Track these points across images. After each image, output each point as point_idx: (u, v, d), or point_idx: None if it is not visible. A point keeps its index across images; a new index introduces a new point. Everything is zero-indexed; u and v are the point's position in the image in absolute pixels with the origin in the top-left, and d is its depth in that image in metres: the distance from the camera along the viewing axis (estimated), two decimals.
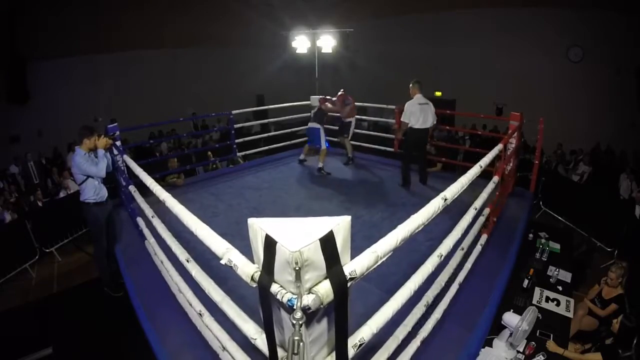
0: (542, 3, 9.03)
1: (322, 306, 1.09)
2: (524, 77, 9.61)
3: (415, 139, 4.72)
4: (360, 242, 1.33)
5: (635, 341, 3.29)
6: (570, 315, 2.90)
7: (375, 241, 1.33)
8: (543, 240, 3.76)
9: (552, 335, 2.64)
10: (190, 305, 2.18)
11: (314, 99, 6.34)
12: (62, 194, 6.40)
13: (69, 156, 8.30)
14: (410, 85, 4.74)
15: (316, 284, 1.10)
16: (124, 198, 4.05)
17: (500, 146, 2.99)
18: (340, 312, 1.16)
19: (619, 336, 2.98)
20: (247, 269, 1.22)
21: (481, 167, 2.34)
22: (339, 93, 5.71)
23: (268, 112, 8.13)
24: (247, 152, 6.08)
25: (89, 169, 3.35)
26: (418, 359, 1.99)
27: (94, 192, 3.43)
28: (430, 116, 4.66)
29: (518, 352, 2.47)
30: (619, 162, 7.97)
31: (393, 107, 5.58)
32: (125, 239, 3.68)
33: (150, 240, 2.97)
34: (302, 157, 5.89)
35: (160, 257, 2.70)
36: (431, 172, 5.35)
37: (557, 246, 3.75)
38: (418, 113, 4.60)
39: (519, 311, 2.62)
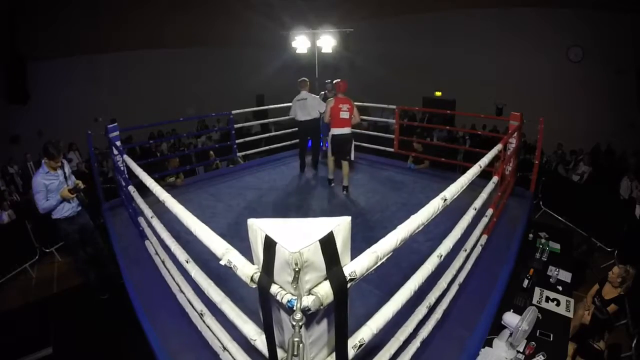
0: (542, 3, 9.01)
1: (321, 307, 1.08)
2: (524, 77, 9.59)
3: (302, 129, 5.34)
4: (360, 242, 1.33)
5: (635, 342, 3.30)
6: (570, 315, 2.90)
7: (376, 241, 1.33)
8: (543, 240, 3.76)
9: (551, 335, 2.64)
10: (191, 305, 2.18)
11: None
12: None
13: (69, 156, 8.31)
14: None
15: (316, 285, 1.10)
16: (124, 198, 4.04)
17: (499, 146, 2.99)
18: (340, 313, 1.15)
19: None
20: (247, 270, 1.21)
21: (480, 167, 2.34)
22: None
23: (268, 112, 8.12)
24: (248, 152, 6.08)
25: (36, 197, 3.24)
26: (418, 359, 1.99)
27: (62, 209, 3.39)
28: (309, 109, 5.10)
29: (518, 352, 2.47)
30: (619, 163, 7.97)
31: (393, 107, 5.57)
32: (125, 239, 3.68)
33: (151, 240, 2.97)
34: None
35: (161, 256, 2.70)
36: (418, 169, 5.40)
37: (557, 246, 3.75)
38: (296, 108, 5.17)
39: (519, 311, 2.62)
